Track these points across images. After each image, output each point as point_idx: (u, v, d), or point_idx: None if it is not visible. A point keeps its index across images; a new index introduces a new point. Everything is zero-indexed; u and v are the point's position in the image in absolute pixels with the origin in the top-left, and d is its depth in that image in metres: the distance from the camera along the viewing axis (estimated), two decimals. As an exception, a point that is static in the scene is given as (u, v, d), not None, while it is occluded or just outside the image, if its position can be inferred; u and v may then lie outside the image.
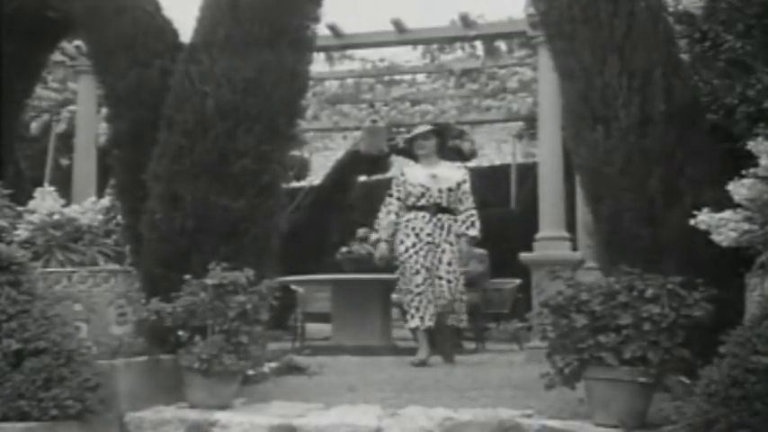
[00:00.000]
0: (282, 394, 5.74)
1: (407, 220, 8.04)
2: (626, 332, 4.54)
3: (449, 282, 7.88)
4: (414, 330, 8.01)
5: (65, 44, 9.72)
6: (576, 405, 4.85)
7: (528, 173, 12.96)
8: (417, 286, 7.82)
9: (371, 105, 14.19)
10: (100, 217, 6.36)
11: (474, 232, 8.06)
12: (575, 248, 8.96)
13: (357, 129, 14.53)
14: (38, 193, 6.43)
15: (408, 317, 7.92)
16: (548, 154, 9.01)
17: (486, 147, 16.40)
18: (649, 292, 4.58)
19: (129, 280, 5.86)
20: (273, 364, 6.73)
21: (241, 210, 5.90)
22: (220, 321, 5.25)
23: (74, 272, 5.72)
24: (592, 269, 6.49)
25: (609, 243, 5.29)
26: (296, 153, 14.50)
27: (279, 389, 6.03)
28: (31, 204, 6.27)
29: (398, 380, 6.41)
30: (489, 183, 14.30)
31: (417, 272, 7.84)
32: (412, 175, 8.25)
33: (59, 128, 13.58)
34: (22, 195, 6.45)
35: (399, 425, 4.73)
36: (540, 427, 4.60)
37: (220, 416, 4.95)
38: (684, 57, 5.68)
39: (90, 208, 6.34)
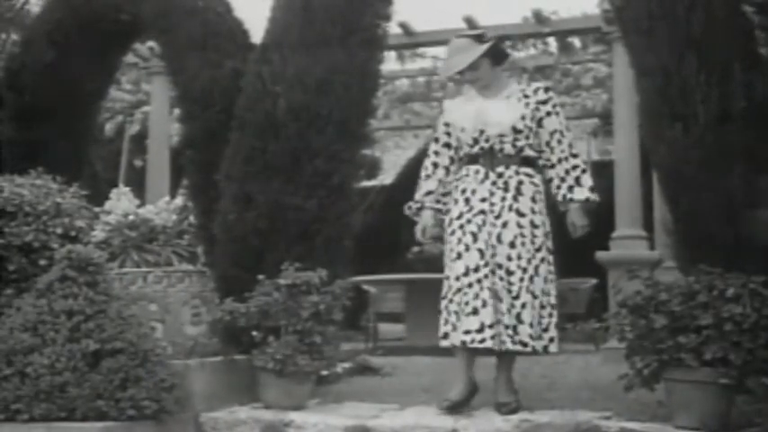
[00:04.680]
0: (356, 395, 5.72)
1: (458, 180, 5.22)
2: (706, 333, 4.44)
3: (510, 273, 4.92)
4: (457, 349, 5.07)
5: (138, 46, 9.83)
6: (656, 407, 4.76)
7: (603, 171, 12.80)
8: (458, 278, 4.97)
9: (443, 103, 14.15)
10: (174, 217, 6.42)
11: (584, 194, 5.23)
12: (652, 247, 8.85)
13: (428, 127, 14.46)
14: (113, 194, 6.53)
15: (442, 323, 5.07)
16: (624, 151, 8.92)
17: (561, 144, 16.25)
18: (730, 292, 4.47)
19: (203, 280, 5.89)
20: (347, 365, 6.72)
21: (313, 210, 5.90)
22: (294, 322, 5.25)
23: (149, 272, 5.77)
24: (670, 268, 6.37)
25: (688, 242, 5.19)
26: (367, 152, 14.51)
27: (352, 389, 6.01)
28: (107, 205, 6.36)
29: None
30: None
31: (459, 256, 5.01)
32: (457, 113, 5.31)
33: (133, 129, 13.78)
34: (97, 196, 6.54)
35: (475, 426, 4.68)
36: (620, 430, 4.52)
37: (295, 416, 4.95)
38: (764, 50, 5.56)
39: (164, 208, 6.41)
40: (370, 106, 6.38)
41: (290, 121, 5.96)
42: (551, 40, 12.53)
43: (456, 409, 4.89)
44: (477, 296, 4.89)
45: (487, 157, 5.11)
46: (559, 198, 5.19)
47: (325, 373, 5.66)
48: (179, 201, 6.67)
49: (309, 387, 5.32)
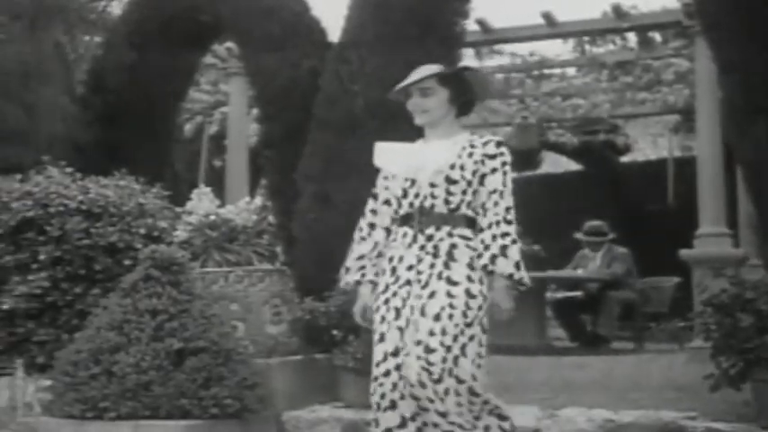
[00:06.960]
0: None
1: (385, 247, 4.15)
2: (795, 332, 4.36)
3: (430, 351, 3.72)
4: None
5: (216, 47, 9.92)
6: (742, 407, 4.68)
7: (685, 167, 12.62)
8: (378, 365, 3.96)
9: (521, 101, 14.03)
10: (253, 217, 6.46)
11: (509, 268, 3.87)
12: (737, 245, 8.68)
13: (507, 125, 14.39)
14: (194, 194, 6.59)
15: (373, 424, 4.00)
16: (706, 147, 8.76)
17: (641, 141, 16.04)
18: (819, 290, 4.38)
19: (284, 279, 5.92)
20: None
21: (392, 208, 5.87)
22: (374, 321, 5.24)
23: (230, 272, 5.82)
24: (756, 266, 6.26)
25: (774, 239, 5.10)
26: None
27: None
28: (189, 206, 6.42)
29: (555, 380, 6.30)
30: (645, 178, 14.03)
31: (382, 338, 3.95)
32: (387, 155, 4.32)
33: (212, 129, 13.88)
34: (178, 197, 6.61)
35: (558, 426, 4.64)
36: (705, 430, 4.45)
37: (375, 415, 4.93)
38: None
39: (244, 208, 6.45)
40: (447, 104, 6.34)
41: (367, 120, 5.96)
42: (631, 35, 12.37)
43: None
44: (395, 386, 3.88)
45: (416, 217, 4.02)
46: (479, 268, 3.91)
47: (404, 372, 5.64)
48: (258, 201, 6.71)
49: (390, 386, 5.31)
